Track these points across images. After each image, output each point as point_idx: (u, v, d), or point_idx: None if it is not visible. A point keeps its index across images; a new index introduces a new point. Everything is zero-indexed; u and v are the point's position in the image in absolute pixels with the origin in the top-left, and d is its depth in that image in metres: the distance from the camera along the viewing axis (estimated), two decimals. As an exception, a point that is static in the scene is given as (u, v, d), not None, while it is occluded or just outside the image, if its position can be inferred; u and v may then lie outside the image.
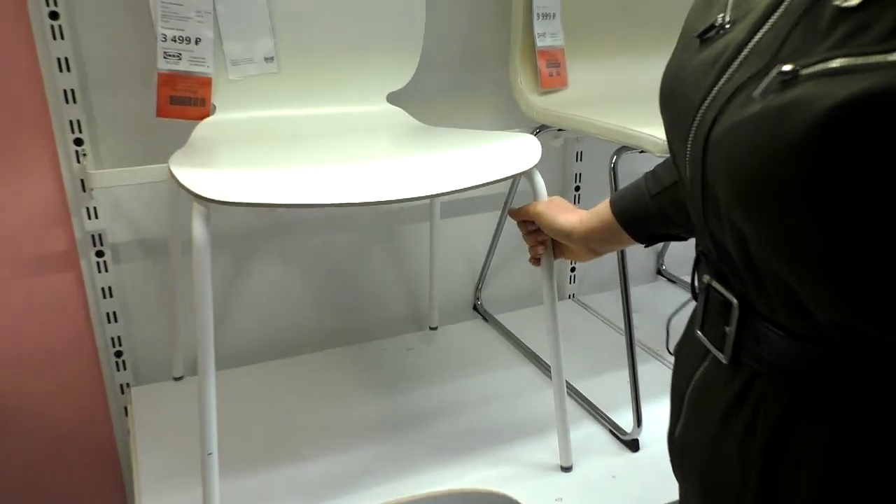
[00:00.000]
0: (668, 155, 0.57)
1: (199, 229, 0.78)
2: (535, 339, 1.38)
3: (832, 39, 0.38)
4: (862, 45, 0.36)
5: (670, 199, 0.72)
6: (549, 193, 0.93)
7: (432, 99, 1.31)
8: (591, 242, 0.85)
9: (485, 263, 1.48)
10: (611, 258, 0.99)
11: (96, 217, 1.15)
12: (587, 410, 1.18)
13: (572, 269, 1.58)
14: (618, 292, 1.14)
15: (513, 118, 1.36)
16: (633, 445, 1.09)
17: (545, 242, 0.95)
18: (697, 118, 0.47)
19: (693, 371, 0.57)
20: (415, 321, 1.47)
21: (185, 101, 1.06)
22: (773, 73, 0.40)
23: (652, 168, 0.76)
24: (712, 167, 0.45)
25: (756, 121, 0.40)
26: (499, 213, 1.44)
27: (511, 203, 1.41)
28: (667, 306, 1.53)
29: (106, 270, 1.18)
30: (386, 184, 0.85)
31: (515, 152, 0.96)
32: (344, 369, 1.31)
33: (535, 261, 0.98)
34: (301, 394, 1.24)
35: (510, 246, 1.50)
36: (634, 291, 1.58)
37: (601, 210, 0.82)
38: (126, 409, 1.27)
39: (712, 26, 0.49)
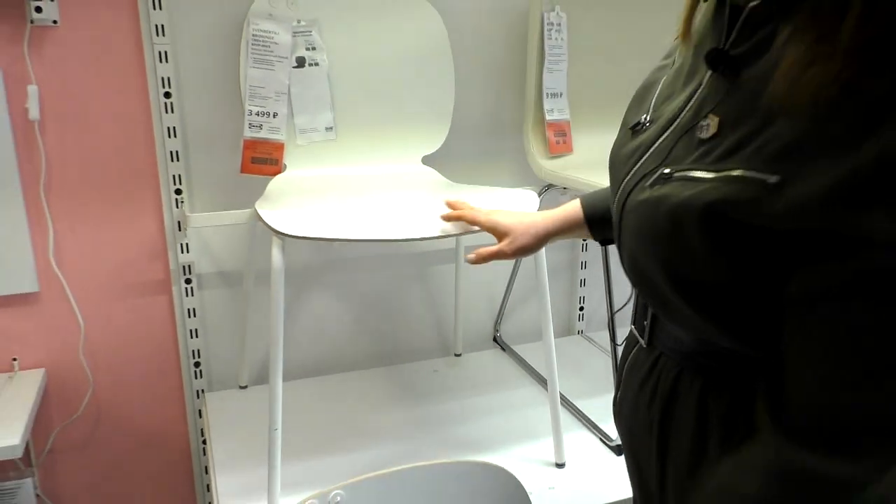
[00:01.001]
0: None
1: (276, 257, 1.05)
2: (545, 366, 1.61)
3: (694, 156, 0.59)
4: (705, 164, 0.57)
5: None
6: (559, 254, 1.17)
7: (459, 161, 1.58)
8: (550, 238, 1.00)
9: (503, 301, 1.73)
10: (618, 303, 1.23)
11: (187, 252, 1.44)
12: (582, 422, 1.41)
13: (581, 309, 1.81)
14: (622, 329, 1.37)
15: (526, 178, 1.62)
16: (617, 450, 1.31)
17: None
18: (620, 190, 0.69)
19: (629, 354, 0.80)
20: (442, 348, 1.71)
21: (263, 161, 1.36)
22: (659, 171, 0.62)
23: None
24: (624, 228, 0.67)
25: (645, 203, 0.62)
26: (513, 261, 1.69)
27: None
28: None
29: (192, 295, 1.47)
30: (417, 226, 1.11)
31: (519, 205, 1.21)
32: (381, 385, 1.56)
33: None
34: (345, 402, 1.49)
35: (525, 287, 1.74)
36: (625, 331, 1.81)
37: (568, 208, 0.98)
38: (200, 411, 1.53)
39: (639, 122, 0.72)
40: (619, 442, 1.31)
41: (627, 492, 1.20)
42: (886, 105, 0.47)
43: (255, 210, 1.13)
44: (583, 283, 1.79)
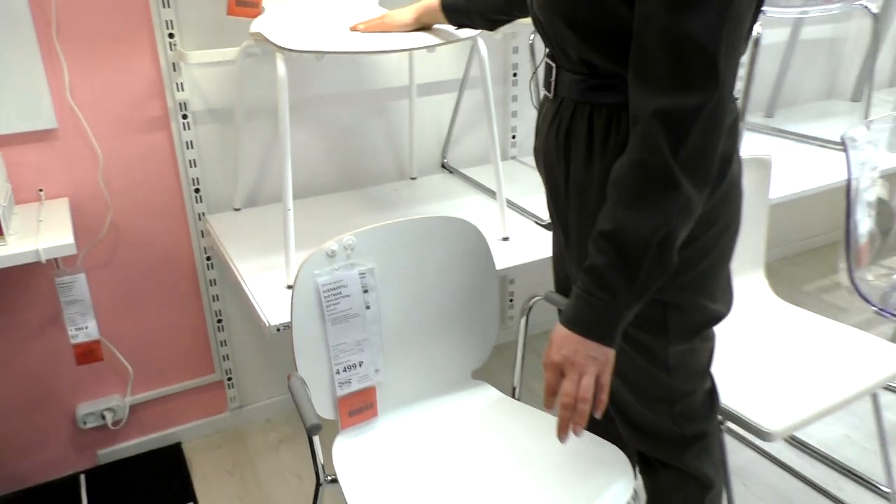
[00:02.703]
0: None
1: (281, 68, 1.31)
2: (485, 180, 1.96)
3: None
4: None
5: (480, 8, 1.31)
6: (494, 78, 1.46)
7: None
8: (422, 21, 1.42)
9: (448, 132, 2.04)
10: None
11: (182, 90, 1.68)
12: (519, 212, 1.76)
13: (513, 137, 2.15)
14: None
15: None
16: (546, 227, 1.68)
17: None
18: None
19: (541, 112, 1.13)
20: (399, 173, 2.03)
21: (246, 3, 1.59)
22: None
23: None
24: (538, 7, 0.99)
25: None
26: (457, 93, 1.99)
27: (465, 86, 1.96)
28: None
29: (189, 129, 1.71)
30: (386, 42, 1.39)
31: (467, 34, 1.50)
32: (352, 202, 1.87)
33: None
34: (324, 215, 1.79)
35: (465, 120, 2.05)
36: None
37: (432, 7, 1.39)
38: (202, 232, 1.81)
39: None
40: (548, 220, 1.68)
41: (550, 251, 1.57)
42: None
43: (260, 35, 1.38)
44: (514, 114, 2.11)
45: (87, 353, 1.53)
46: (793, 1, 2.01)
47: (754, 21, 0.92)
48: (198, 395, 2.00)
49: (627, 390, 1.13)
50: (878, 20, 2.12)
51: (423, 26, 1.44)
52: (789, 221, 2.92)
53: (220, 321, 1.93)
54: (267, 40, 1.34)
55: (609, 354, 0.93)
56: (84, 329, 1.52)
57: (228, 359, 1.98)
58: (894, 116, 1.96)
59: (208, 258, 1.85)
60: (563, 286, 1.32)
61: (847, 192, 1.72)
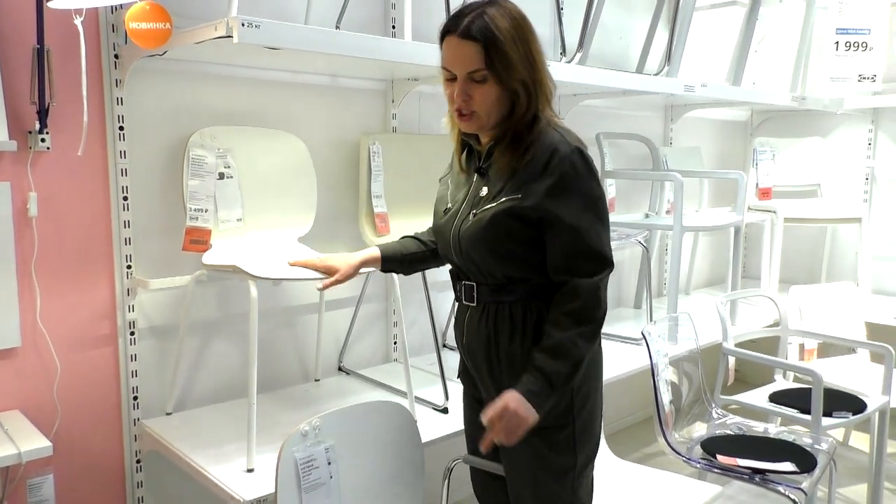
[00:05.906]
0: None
1: (253, 292, 1.69)
2: (378, 377, 2.36)
3: (482, 205, 1.47)
4: (490, 203, 1.46)
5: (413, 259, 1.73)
6: (382, 295, 1.95)
7: (320, 240, 2.30)
8: (359, 269, 1.69)
9: (345, 340, 2.45)
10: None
11: (132, 311, 1.96)
12: (419, 402, 2.17)
13: (395, 343, 2.59)
14: (426, 357, 2.17)
15: (360, 251, 2.40)
16: (443, 411, 2.10)
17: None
18: (451, 234, 1.53)
19: (463, 316, 1.61)
20: (304, 376, 2.37)
21: (198, 241, 1.97)
22: (470, 213, 1.49)
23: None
24: (462, 244, 1.51)
25: (474, 224, 1.48)
26: (353, 308, 2.44)
27: (361, 301, 2.42)
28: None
29: (134, 344, 1.97)
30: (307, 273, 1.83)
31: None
32: (271, 401, 2.17)
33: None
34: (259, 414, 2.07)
35: (360, 330, 2.48)
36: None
37: (370, 251, 1.69)
38: (135, 436, 2.00)
39: (447, 208, 1.58)
40: (444, 405, 2.11)
41: (452, 427, 1.99)
42: (540, 166, 1.41)
43: (222, 265, 1.76)
44: (395, 324, 2.58)
45: (43, 555, 1.62)
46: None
47: None
48: None
49: None
50: (646, 250, 2.95)
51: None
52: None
53: (141, 524, 2.04)
54: (240, 270, 1.73)
55: (534, 416, 1.40)
56: (44, 529, 1.63)
57: (145, 563, 2.06)
58: (668, 317, 2.69)
59: (138, 461, 2.01)
60: (475, 447, 1.72)
61: (652, 374, 2.35)
